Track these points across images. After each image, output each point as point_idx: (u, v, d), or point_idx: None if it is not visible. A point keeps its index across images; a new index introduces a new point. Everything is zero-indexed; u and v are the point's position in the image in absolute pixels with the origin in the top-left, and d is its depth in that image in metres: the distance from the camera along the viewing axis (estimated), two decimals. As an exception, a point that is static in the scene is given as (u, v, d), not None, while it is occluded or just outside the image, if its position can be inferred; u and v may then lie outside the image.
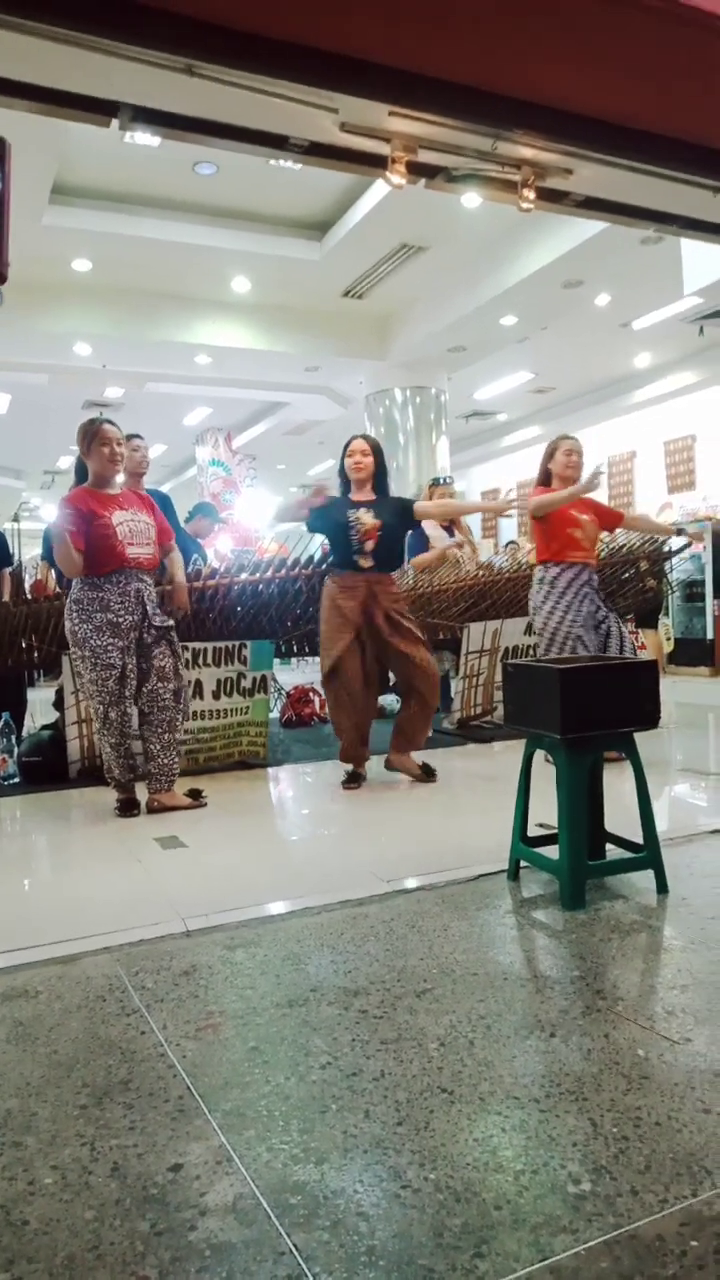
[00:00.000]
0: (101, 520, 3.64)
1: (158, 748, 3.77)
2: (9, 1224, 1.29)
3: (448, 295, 8.91)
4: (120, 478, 3.91)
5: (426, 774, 4.26)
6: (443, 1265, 1.18)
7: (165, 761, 3.79)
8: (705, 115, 3.64)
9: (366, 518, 4.07)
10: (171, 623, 3.84)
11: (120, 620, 3.64)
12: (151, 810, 3.76)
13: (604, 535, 5.15)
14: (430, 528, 6.22)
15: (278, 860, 3.24)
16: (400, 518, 4.20)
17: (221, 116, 3.58)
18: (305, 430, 13.98)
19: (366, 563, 4.08)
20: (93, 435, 3.74)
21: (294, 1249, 1.22)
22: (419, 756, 4.39)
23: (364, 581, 4.09)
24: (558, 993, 1.97)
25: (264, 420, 13.83)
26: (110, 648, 3.63)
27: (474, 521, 14.25)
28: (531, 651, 5.75)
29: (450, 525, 6.29)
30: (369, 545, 4.07)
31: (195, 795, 3.88)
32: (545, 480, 4.53)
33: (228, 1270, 1.18)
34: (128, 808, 3.79)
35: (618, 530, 5.11)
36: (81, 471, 3.85)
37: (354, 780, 4.21)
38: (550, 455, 4.51)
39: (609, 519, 4.73)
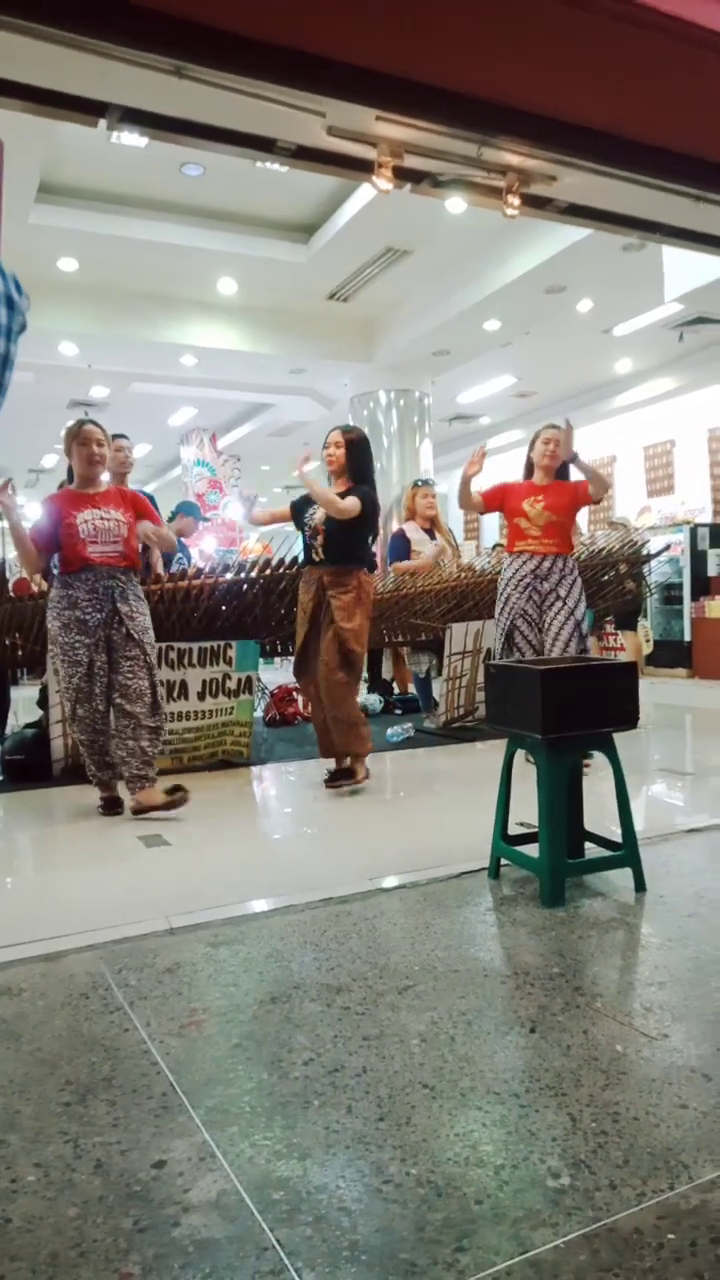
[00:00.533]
0: (67, 520, 3.68)
1: (123, 754, 3.73)
2: (-8, 1220, 1.29)
3: (432, 299, 8.95)
4: (105, 477, 3.91)
5: (344, 776, 4.13)
6: (424, 1259, 1.20)
7: (135, 766, 3.72)
8: (688, 124, 3.69)
9: (319, 514, 4.10)
10: (148, 635, 3.76)
11: (87, 618, 3.64)
12: (134, 812, 3.75)
13: (587, 529, 5.08)
14: (412, 530, 6.24)
15: (261, 858, 3.25)
16: (366, 512, 4.13)
17: (209, 119, 3.59)
18: (290, 432, 13.97)
19: (318, 556, 4.13)
20: (73, 435, 3.78)
21: (277, 1244, 1.23)
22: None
23: (317, 575, 4.14)
24: (538, 989, 1.99)
25: (249, 421, 13.81)
26: (77, 645, 3.65)
27: (456, 524, 14.31)
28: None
29: (431, 528, 6.32)
30: (319, 540, 4.10)
31: (173, 791, 3.81)
32: (529, 471, 4.52)
33: (211, 1266, 1.19)
34: (110, 806, 3.80)
35: (595, 530, 5.10)
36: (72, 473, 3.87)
37: (333, 777, 4.17)
38: (532, 445, 4.52)
39: (575, 495, 4.46)
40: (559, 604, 4.36)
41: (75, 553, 3.65)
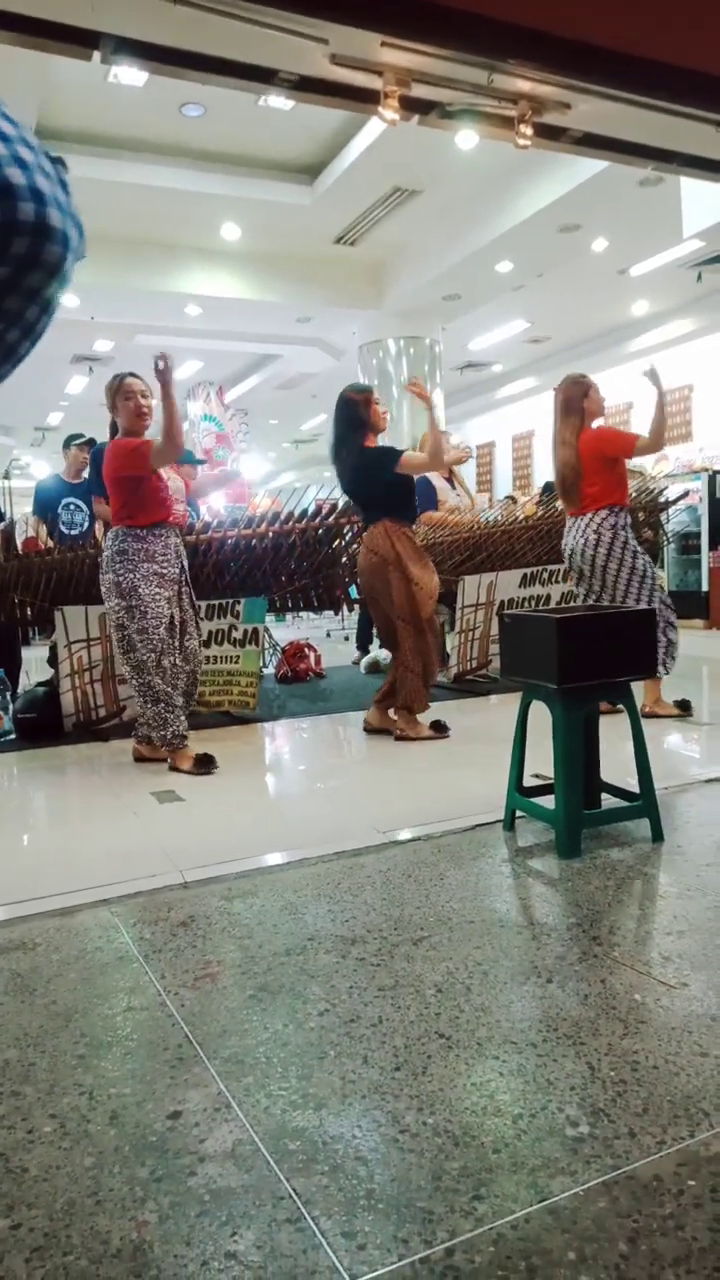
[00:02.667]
0: (154, 476, 3.66)
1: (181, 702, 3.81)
2: (8, 1171, 1.29)
3: (442, 241, 8.71)
4: (149, 432, 3.83)
5: (438, 730, 4.20)
6: (442, 1208, 1.19)
7: (187, 714, 3.85)
8: (708, 42, 3.51)
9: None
10: (193, 589, 3.92)
11: (165, 571, 3.68)
12: (137, 759, 3.80)
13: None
14: (435, 480, 6.14)
15: (275, 813, 3.24)
16: (371, 463, 4.12)
17: (208, 49, 3.44)
18: (298, 384, 13.76)
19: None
20: (115, 390, 3.71)
21: (293, 1193, 1.22)
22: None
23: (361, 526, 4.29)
24: (554, 939, 1.98)
25: (256, 374, 13.61)
26: (158, 597, 3.65)
27: (469, 476, 14.12)
28: (528, 603, 5.72)
29: (450, 477, 6.21)
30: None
31: (207, 762, 3.73)
32: (582, 420, 4.26)
33: (227, 1214, 1.19)
34: (204, 764, 3.68)
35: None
36: (113, 432, 3.81)
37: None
38: (587, 394, 4.26)
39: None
40: None
41: (162, 508, 3.68)
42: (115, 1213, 1.20)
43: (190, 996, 1.78)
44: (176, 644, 3.76)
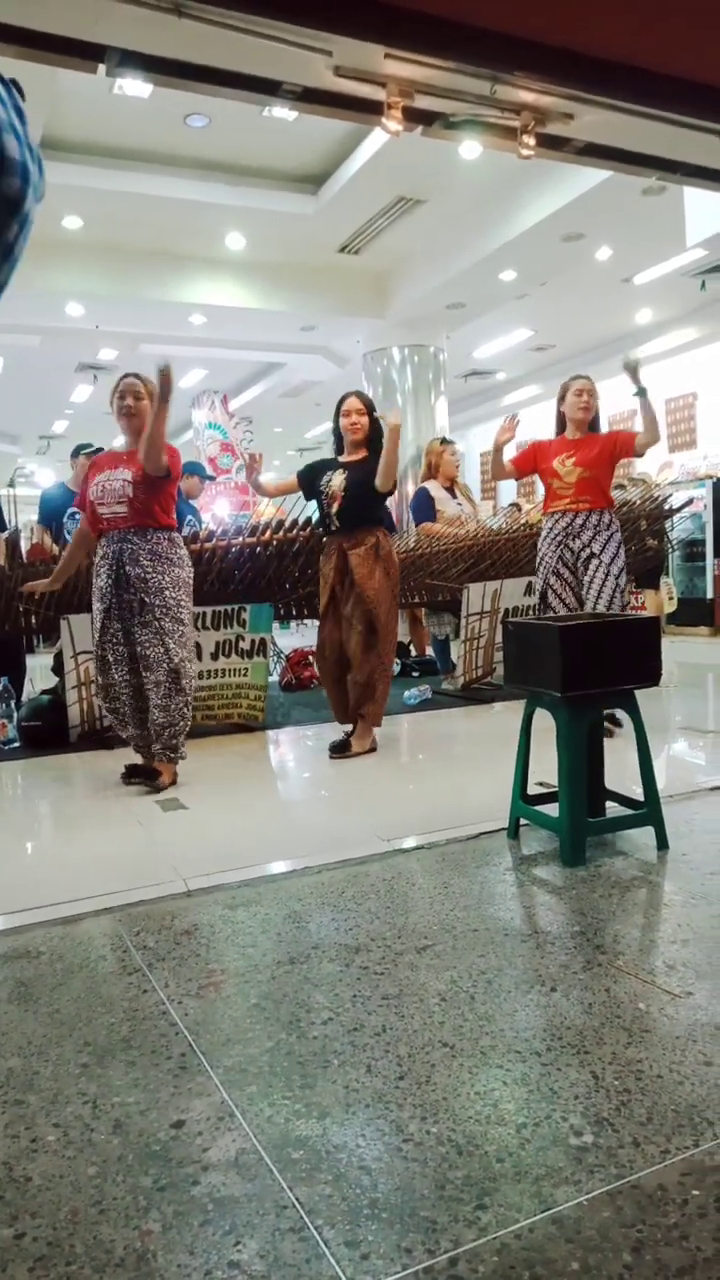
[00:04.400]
0: (87, 486, 3.64)
1: (156, 720, 3.59)
2: (12, 1180, 1.30)
3: (446, 250, 8.73)
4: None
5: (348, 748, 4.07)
6: (445, 1217, 1.18)
7: (155, 740, 3.62)
8: (711, 54, 3.52)
9: (336, 481, 4.05)
10: (162, 597, 3.51)
11: (101, 583, 3.58)
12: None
13: (619, 477, 4.86)
14: (434, 489, 6.14)
15: (278, 821, 3.24)
16: (370, 476, 4.00)
17: (212, 61, 3.46)
18: (302, 392, 13.79)
19: (335, 524, 4.08)
20: (112, 391, 3.68)
21: (296, 1202, 1.22)
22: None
23: (336, 543, 4.11)
24: (558, 948, 1.97)
25: (260, 382, 13.65)
26: (96, 613, 3.61)
27: (473, 483, 14.12)
28: (532, 611, 5.72)
29: (451, 487, 6.22)
30: (334, 508, 4.06)
31: (132, 773, 3.66)
32: (561, 425, 4.35)
33: (230, 1223, 1.19)
34: (130, 773, 3.66)
35: (619, 482, 4.94)
36: None
37: (334, 749, 4.08)
38: (561, 397, 4.35)
39: (614, 447, 4.28)
40: (595, 561, 4.18)
41: (94, 518, 3.61)
42: (119, 1222, 1.20)
43: (193, 1005, 1.78)
44: (112, 658, 3.59)
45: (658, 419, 4.26)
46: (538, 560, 4.39)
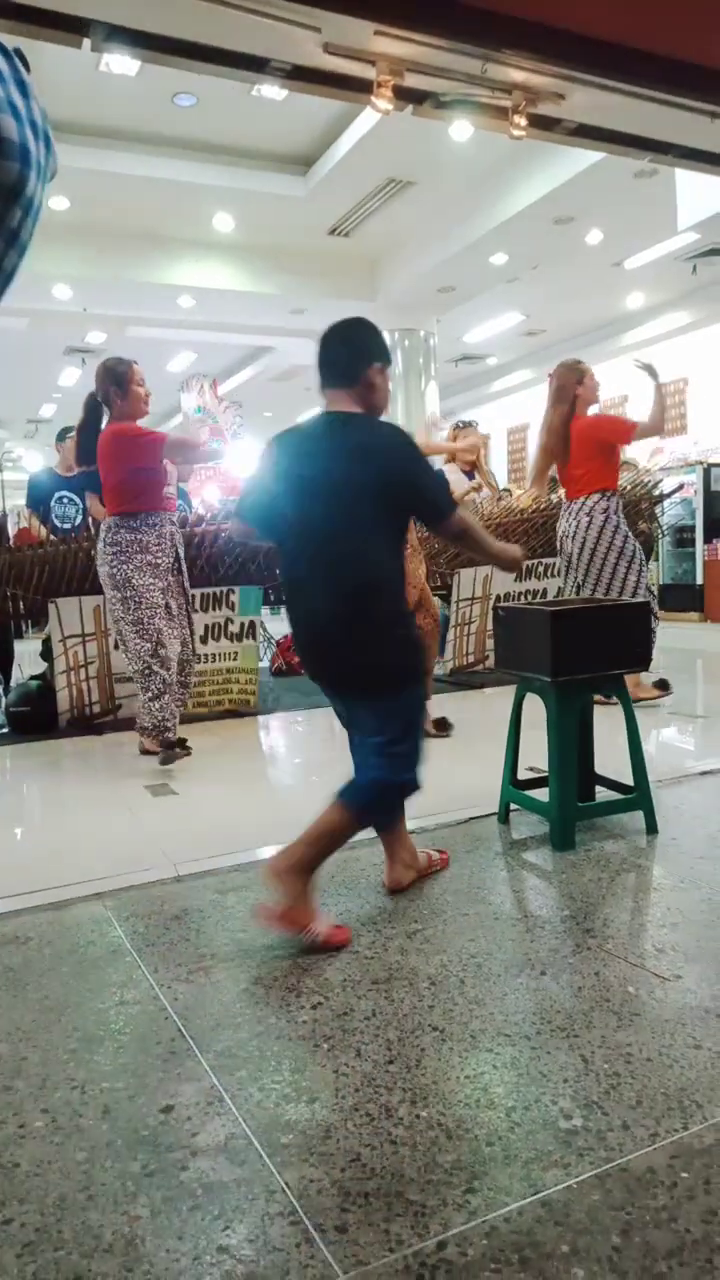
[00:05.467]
0: (155, 462, 3.62)
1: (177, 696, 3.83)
2: (0, 1166, 1.29)
3: (436, 232, 8.67)
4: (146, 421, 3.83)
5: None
6: (434, 1200, 1.19)
7: (182, 707, 3.86)
8: (703, 33, 3.49)
9: None
10: (188, 577, 3.86)
11: (159, 561, 3.63)
12: (144, 752, 3.76)
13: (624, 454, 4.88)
14: (451, 473, 6.09)
15: (269, 806, 3.24)
16: None
17: (199, 36, 3.41)
18: (292, 376, 13.70)
19: None
20: (127, 376, 3.66)
21: (285, 1187, 1.22)
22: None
23: None
24: (548, 932, 1.97)
25: (250, 366, 13.56)
26: (153, 587, 3.60)
27: (500, 468, 13.95)
28: (524, 597, 5.72)
29: (471, 471, 6.14)
30: None
31: (180, 744, 3.73)
32: (573, 407, 4.29)
33: (220, 1208, 1.19)
34: (174, 745, 3.63)
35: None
36: (94, 411, 3.70)
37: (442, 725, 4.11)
38: (580, 380, 4.29)
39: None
40: None
41: (159, 495, 3.63)
42: (107, 1207, 1.20)
43: (183, 990, 1.77)
44: (175, 633, 3.72)
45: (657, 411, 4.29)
46: (625, 536, 4.25)
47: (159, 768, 3.62)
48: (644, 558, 4.29)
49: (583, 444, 4.25)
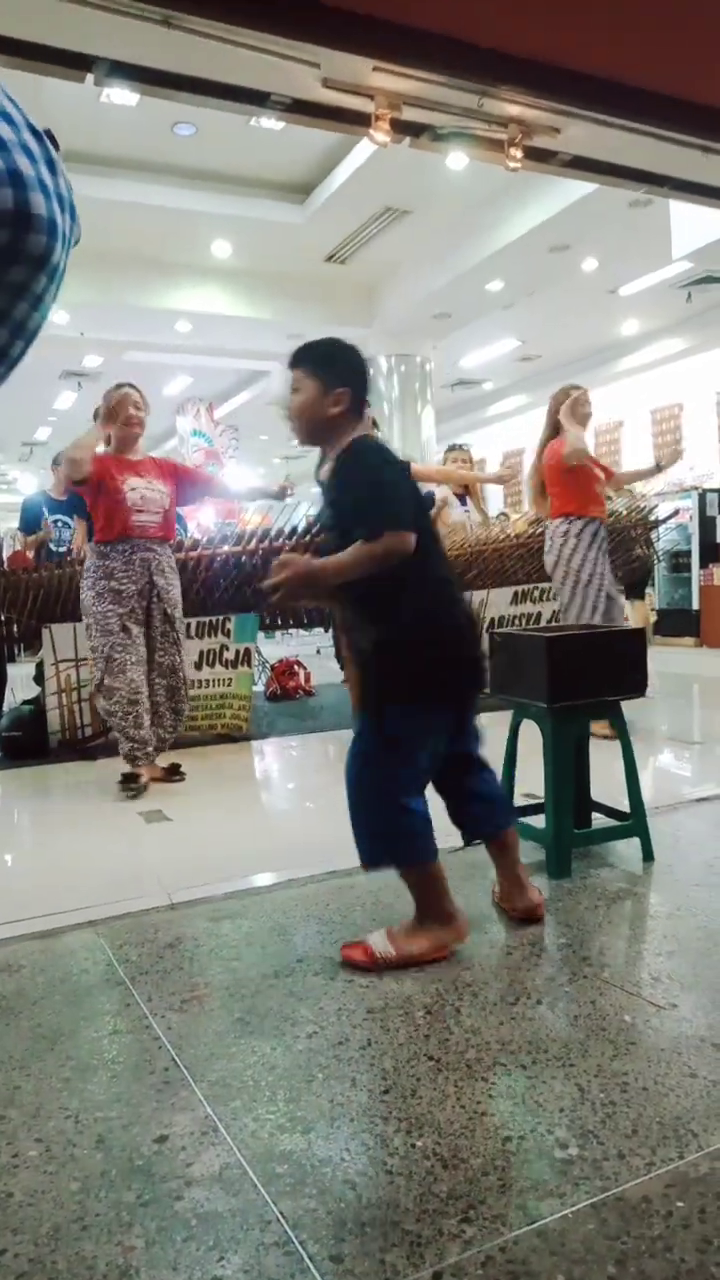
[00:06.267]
0: (115, 485, 3.62)
1: (166, 723, 3.84)
2: (-7, 1197, 1.28)
3: (433, 259, 8.78)
4: (141, 442, 3.85)
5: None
6: (430, 1231, 1.18)
7: (171, 734, 3.87)
8: (697, 70, 3.57)
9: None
10: (178, 610, 3.82)
11: (122, 588, 3.62)
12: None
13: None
14: (446, 493, 6.13)
15: (263, 832, 3.23)
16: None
17: (201, 72, 3.48)
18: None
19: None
20: (116, 399, 3.70)
21: (281, 1217, 1.21)
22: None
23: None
24: (544, 960, 1.97)
25: (246, 390, 13.66)
26: (109, 614, 3.61)
27: (496, 495, 13.98)
28: (519, 621, 5.74)
29: (465, 494, 6.19)
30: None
31: (174, 770, 3.81)
32: (556, 431, 4.36)
33: (215, 1239, 1.18)
34: (130, 781, 3.65)
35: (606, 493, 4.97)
36: None
37: None
38: (563, 402, 4.33)
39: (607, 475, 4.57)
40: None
41: (121, 521, 3.62)
42: (101, 1237, 1.19)
43: (177, 1019, 1.77)
44: (134, 659, 3.64)
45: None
46: (592, 569, 4.24)
47: (154, 792, 3.62)
48: (605, 586, 4.27)
49: (548, 468, 4.34)
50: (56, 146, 0.57)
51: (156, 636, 3.74)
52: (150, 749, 3.74)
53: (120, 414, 3.67)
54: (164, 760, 3.87)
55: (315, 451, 2.03)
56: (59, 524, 5.65)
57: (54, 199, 0.55)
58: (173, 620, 3.76)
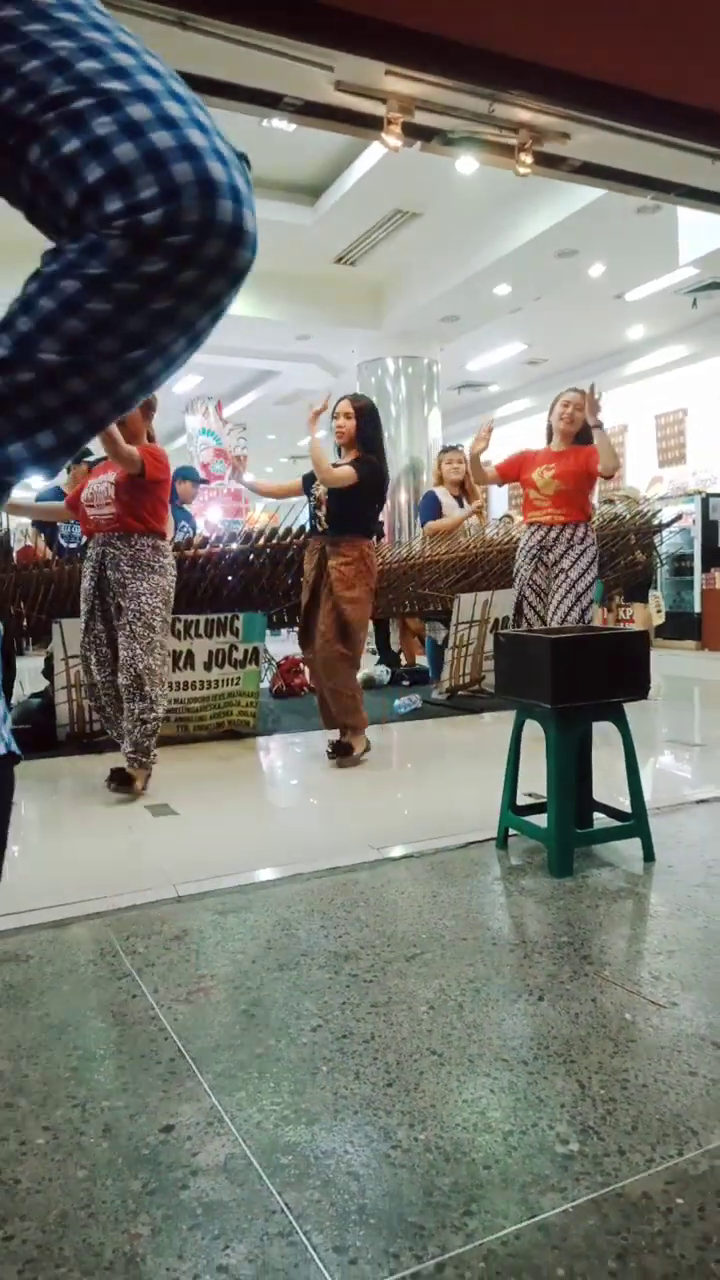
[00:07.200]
0: (82, 490, 3.68)
1: (125, 725, 3.59)
2: (1, 1183, 1.30)
3: (441, 263, 8.80)
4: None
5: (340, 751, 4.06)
6: (432, 1223, 1.20)
7: (126, 744, 3.60)
8: (705, 77, 3.58)
9: (322, 487, 4.06)
10: (138, 603, 3.49)
11: (86, 586, 3.64)
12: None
13: (607, 491, 4.98)
14: (442, 495, 6.19)
15: (268, 828, 3.25)
16: (366, 481, 4.00)
17: (214, 73, 3.50)
18: (296, 400, 13.83)
19: (322, 526, 4.09)
20: None
21: (285, 1207, 1.23)
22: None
23: (320, 545, 4.10)
24: (546, 958, 1.99)
25: (255, 389, 13.68)
26: (82, 613, 3.67)
27: (500, 493, 14.00)
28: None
29: (461, 496, 6.25)
30: (322, 510, 4.07)
31: (119, 776, 3.57)
32: (548, 435, 4.47)
33: (220, 1228, 1.20)
34: (113, 778, 3.60)
35: (609, 497, 5.04)
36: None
37: (333, 750, 4.07)
38: (551, 409, 4.46)
39: (588, 462, 4.33)
40: (561, 575, 4.34)
41: (84, 522, 3.68)
42: (108, 1225, 1.21)
43: (183, 1011, 1.79)
44: (94, 659, 3.64)
45: (611, 448, 4.32)
46: (514, 572, 4.50)
47: (159, 787, 3.64)
48: (518, 595, 4.45)
49: (587, 473, 4.40)
50: (250, 167, 0.58)
51: (117, 630, 3.56)
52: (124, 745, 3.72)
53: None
54: (172, 754, 3.87)
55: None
56: (74, 521, 5.67)
57: (254, 219, 0.56)
58: (126, 612, 3.50)
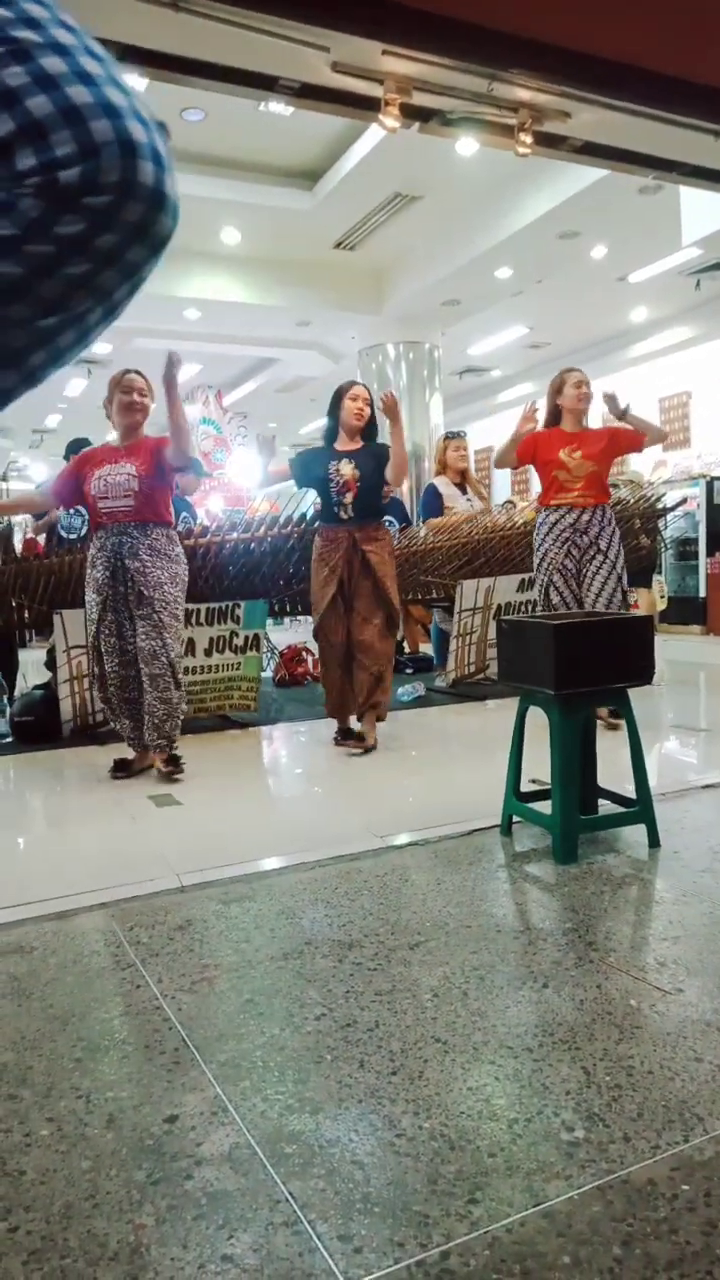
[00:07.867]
0: (87, 481, 3.64)
1: (155, 713, 3.64)
2: (5, 1174, 1.30)
3: (442, 246, 8.73)
4: (146, 428, 3.79)
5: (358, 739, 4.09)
6: (437, 1211, 1.19)
7: (149, 731, 3.64)
8: (706, 54, 3.53)
9: (346, 469, 4.00)
10: (161, 592, 3.54)
11: (98, 576, 3.61)
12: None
13: (610, 475, 4.87)
14: (443, 485, 6.17)
15: (271, 817, 3.25)
16: (380, 463, 4.02)
17: (209, 55, 3.46)
18: (296, 387, 13.78)
19: (348, 514, 4.02)
20: (114, 384, 3.69)
21: (290, 1197, 1.23)
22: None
23: (346, 534, 4.03)
24: (550, 944, 1.98)
25: (255, 377, 13.63)
26: (91, 604, 3.66)
27: (503, 478, 13.97)
28: (526, 608, 5.74)
29: (462, 484, 6.21)
30: (348, 497, 4.00)
31: (171, 762, 3.67)
32: (555, 417, 4.33)
33: (224, 1217, 1.19)
34: (118, 767, 3.73)
35: (613, 481, 4.96)
36: (77, 448, 3.86)
37: (344, 736, 4.16)
38: (558, 390, 4.30)
39: (617, 442, 4.32)
40: (600, 557, 4.19)
41: (93, 513, 3.66)
42: (112, 1215, 1.21)
43: (187, 1000, 1.78)
44: (110, 651, 3.64)
45: (650, 421, 4.27)
46: (540, 555, 4.31)
47: (161, 777, 3.64)
48: (544, 582, 4.34)
49: (610, 453, 4.34)
50: (168, 135, 0.56)
51: (137, 620, 3.57)
52: (131, 736, 3.76)
53: (122, 400, 3.64)
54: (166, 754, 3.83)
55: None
56: (71, 511, 5.66)
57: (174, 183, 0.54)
58: (151, 601, 3.53)
